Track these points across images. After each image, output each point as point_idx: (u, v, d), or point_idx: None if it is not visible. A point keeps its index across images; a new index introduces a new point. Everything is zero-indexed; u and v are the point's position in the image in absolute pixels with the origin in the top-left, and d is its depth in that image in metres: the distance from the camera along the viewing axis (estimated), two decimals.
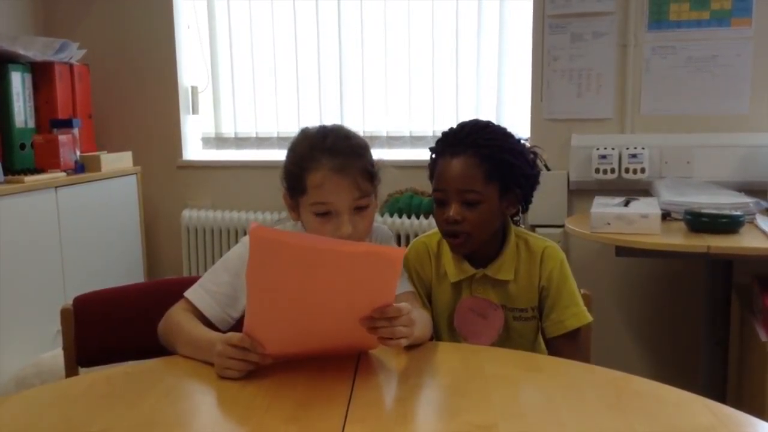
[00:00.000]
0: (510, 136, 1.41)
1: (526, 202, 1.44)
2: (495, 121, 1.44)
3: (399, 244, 2.68)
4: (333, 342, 1.12)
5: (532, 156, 1.43)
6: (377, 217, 2.72)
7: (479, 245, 1.38)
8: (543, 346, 1.48)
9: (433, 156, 1.43)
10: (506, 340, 1.42)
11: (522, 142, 1.44)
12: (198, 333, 1.19)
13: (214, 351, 1.08)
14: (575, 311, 1.39)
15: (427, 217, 2.70)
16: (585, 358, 1.43)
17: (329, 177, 1.23)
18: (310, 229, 1.28)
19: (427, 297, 1.45)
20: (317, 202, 1.24)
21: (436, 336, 1.46)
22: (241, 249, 1.32)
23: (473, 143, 1.35)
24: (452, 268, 1.41)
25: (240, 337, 1.06)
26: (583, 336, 1.43)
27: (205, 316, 1.27)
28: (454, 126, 1.42)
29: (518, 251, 1.42)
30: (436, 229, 1.48)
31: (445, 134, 1.42)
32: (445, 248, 1.44)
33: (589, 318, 1.40)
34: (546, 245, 1.42)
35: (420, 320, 1.21)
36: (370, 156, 1.30)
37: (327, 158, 1.23)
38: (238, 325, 1.25)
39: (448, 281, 1.42)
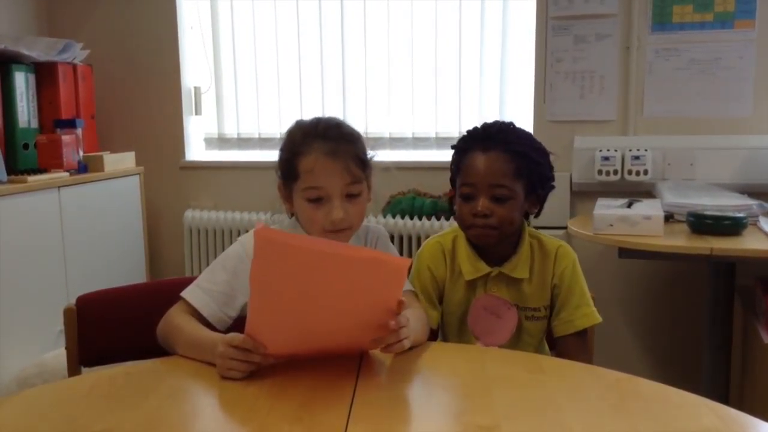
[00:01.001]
0: (533, 137, 1.42)
1: (541, 205, 1.45)
2: None
3: (401, 245, 2.68)
4: (335, 343, 1.12)
5: (552, 158, 1.44)
6: (379, 219, 2.73)
7: (499, 241, 1.38)
8: (546, 346, 1.48)
9: (456, 154, 1.43)
10: (516, 339, 1.41)
11: None
12: (199, 334, 1.19)
13: (216, 352, 1.08)
14: (586, 311, 1.40)
15: (429, 219, 2.70)
16: (589, 359, 1.43)
17: (321, 160, 1.24)
18: (303, 217, 1.29)
19: (439, 297, 1.44)
20: (309, 187, 1.25)
21: (444, 336, 1.45)
22: (238, 248, 1.32)
23: (504, 140, 1.36)
24: (467, 266, 1.41)
25: (242, 338, 1.06)
26: (588, 336, 1.43)
27: (202, 316, 1.27)
28: (477, 125, 1.42)
29: (532, 250, 1.42)
30: (450, 229, 1.48)
31: (471, 132, 1.42)
32: (460, 247, 1.43)
33: (599, 319, 1.40)
34: (560, 244, 1.43)
35: (416, 322, 1.21)
36: (363, 145, 1.31)
37: (318, 143, 1.25)
38: (235, 325, 1.26)
39: (462, 280, 1.41)
